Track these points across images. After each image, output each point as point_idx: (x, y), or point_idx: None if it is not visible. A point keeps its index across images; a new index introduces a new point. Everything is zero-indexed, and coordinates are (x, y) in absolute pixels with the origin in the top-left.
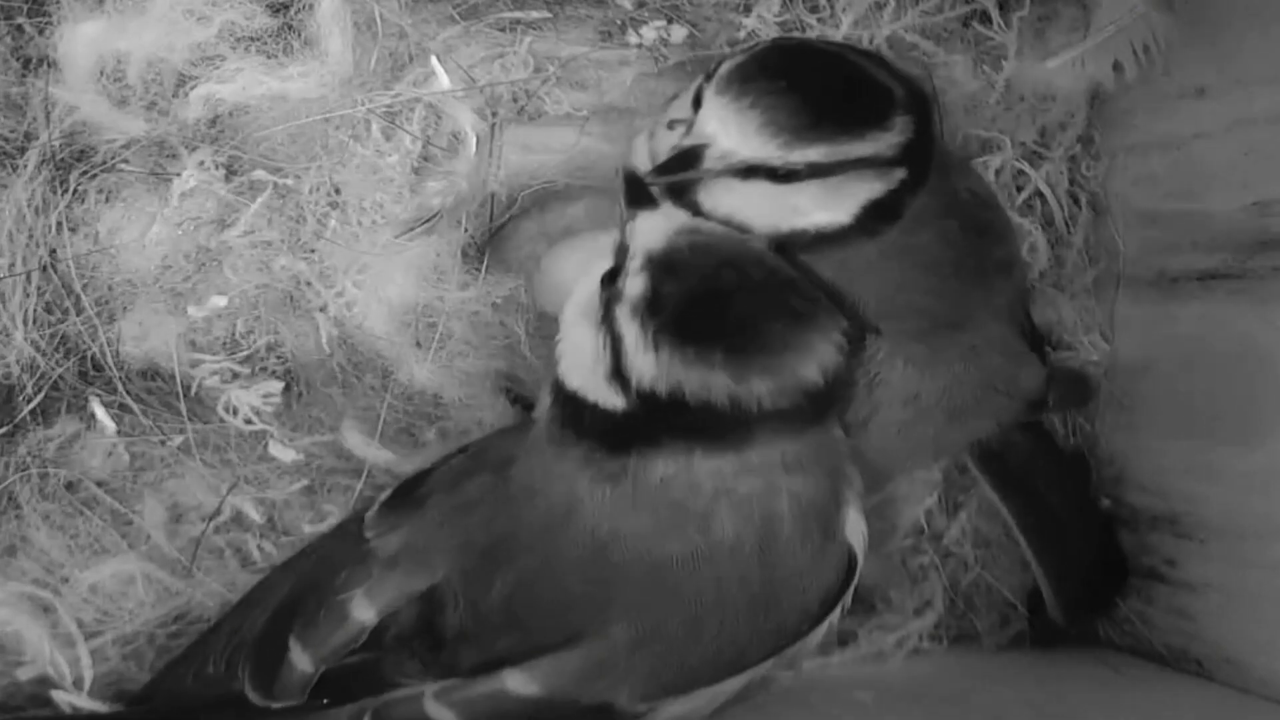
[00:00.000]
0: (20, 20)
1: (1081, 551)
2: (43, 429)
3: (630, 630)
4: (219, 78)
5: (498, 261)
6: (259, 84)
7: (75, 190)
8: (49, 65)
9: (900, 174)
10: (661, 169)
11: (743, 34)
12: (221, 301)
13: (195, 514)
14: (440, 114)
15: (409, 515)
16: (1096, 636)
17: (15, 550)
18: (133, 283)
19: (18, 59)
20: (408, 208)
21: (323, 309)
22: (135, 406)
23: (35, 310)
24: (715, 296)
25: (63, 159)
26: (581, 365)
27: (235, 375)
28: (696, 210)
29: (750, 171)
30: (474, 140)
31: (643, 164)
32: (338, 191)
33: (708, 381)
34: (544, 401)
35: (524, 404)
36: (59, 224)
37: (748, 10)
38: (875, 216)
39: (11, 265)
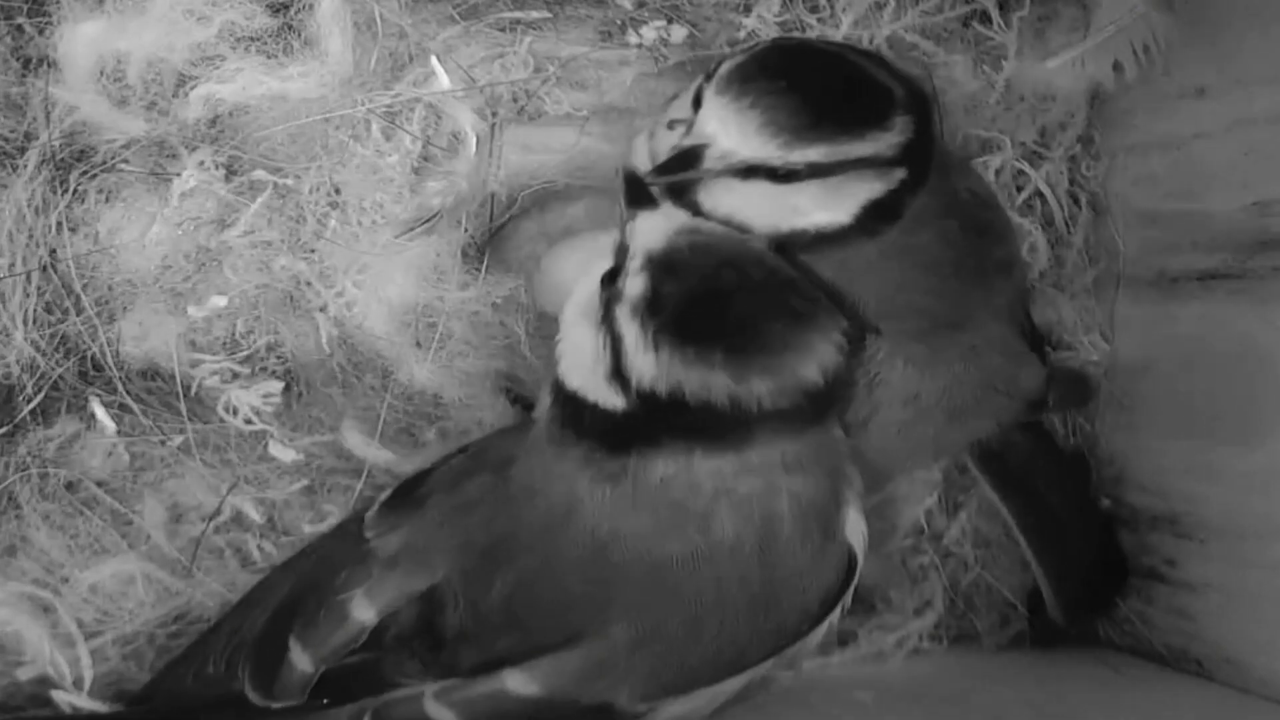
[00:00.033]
0: (20, 20)
1: (1081, 551)
2: (43, 429)
3: (630, 630)
4: (219, 78)
5: (498, 261)
6: (259, 84)
7: (75, 190)
8: (49, 65)
9: (900, 174)
10: (661, 169)
11: (743, 34)
12: (221, 301)
13: (195, 514)
14: (440, 114)
15: (409, 515)
16: (1096, 636)
17: (15, 550)
18: (133, 283)
19: (18, 59)
20: (408, 208)
21: (323, 309)
22: (135, 406)
23: (35, 310)
24: (715, 296)
25: (63, 159)
26: (581, 365)
27: (235, 375)
28: (696, 210)
29: (750, 171)
30: (474, 140)
31: (643, 164)
32: (338, 191)
33: (708, 381)
34: (544, 401)
35: (524, 404)
36: (59, 224)
37: (748, 10)
38: (875, 216)
39: (11, 265)
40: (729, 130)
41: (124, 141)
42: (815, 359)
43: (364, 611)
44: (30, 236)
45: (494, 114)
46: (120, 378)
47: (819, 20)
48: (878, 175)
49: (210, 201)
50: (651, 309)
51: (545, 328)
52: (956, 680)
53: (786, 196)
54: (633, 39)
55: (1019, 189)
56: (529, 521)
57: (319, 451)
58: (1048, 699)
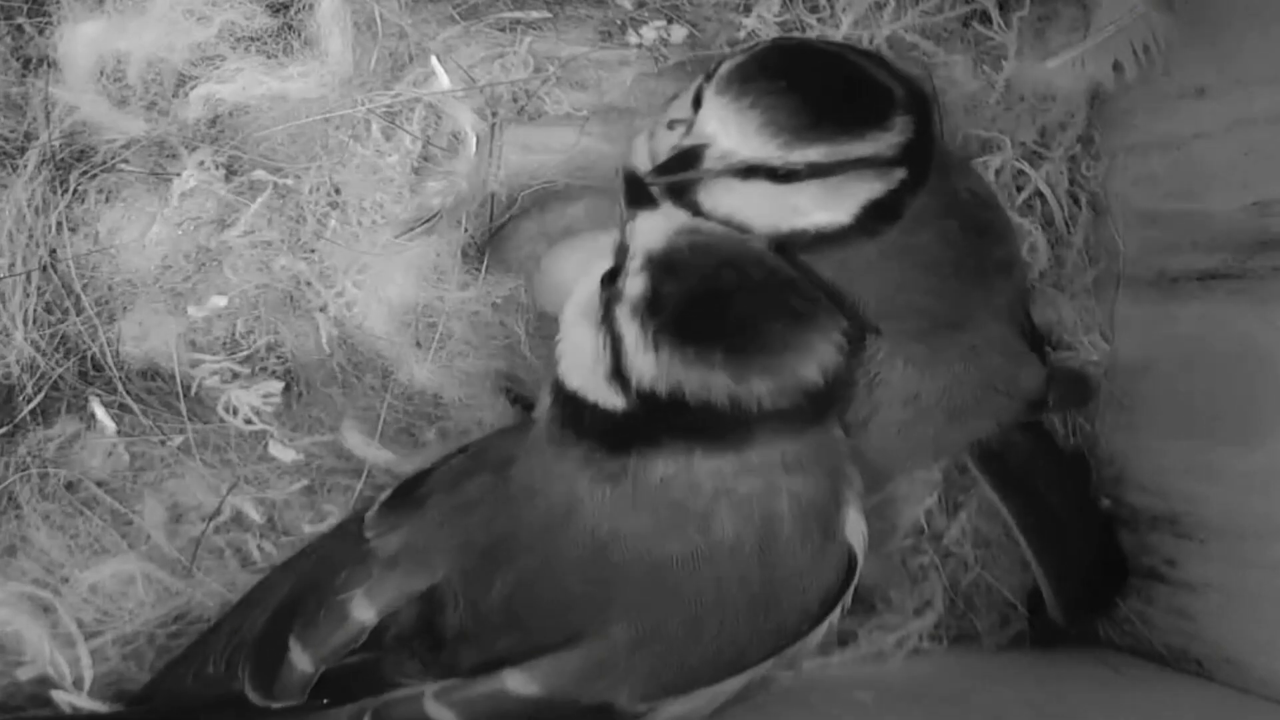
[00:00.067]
0: (20, 20)
1: (1081, 551)
2: (43, 429)
3: (630, 630)
4: (219, 78)
5: (498, 261)
6: (259, 84)
7: (75, 190)
8: (49, 65)
9: (900, 174)
10: (661, 169)
11: (743, 34)
12: (221, 301)
13: (195, 514)
14: (440, 114)
15: (409, 515)
16: (1096, 636)
17: (15, 550)
18: (133, 283)
19: (18, 59)
20: (408, 208)
21: (323, 309)
22: (135, 406)
23: (35, 310)
24: (715, 296)
25: (63, 159)
26: (581, 365)
27: (235, 375)
28: (696, 210)
29: (750, 171)
30: (474, 140)
31: (643, 164)
32: (338, 191)
33: (708, 381)
34: (544, 401)
35: (524, 404)
36: (59, 224)
37: (748, 10)
38: (875, 216)
39: (11, 265)
40: (729, 130)
41: (124, 141)
42: (815, 359)
43: (364, 611)
44: (30, 236)
45: (494, 114)
46: (120, 378)
47: (819, 20)
48: (878, 175)
49: (210, 201)
50: (651, 309)
51: (545, 328)
52: (956, 680)
53: (786, 196)
54: (633, 39)
55: (1019, 189)
56: (529, 521)
57: (319, 451)
58: (1048, 699)
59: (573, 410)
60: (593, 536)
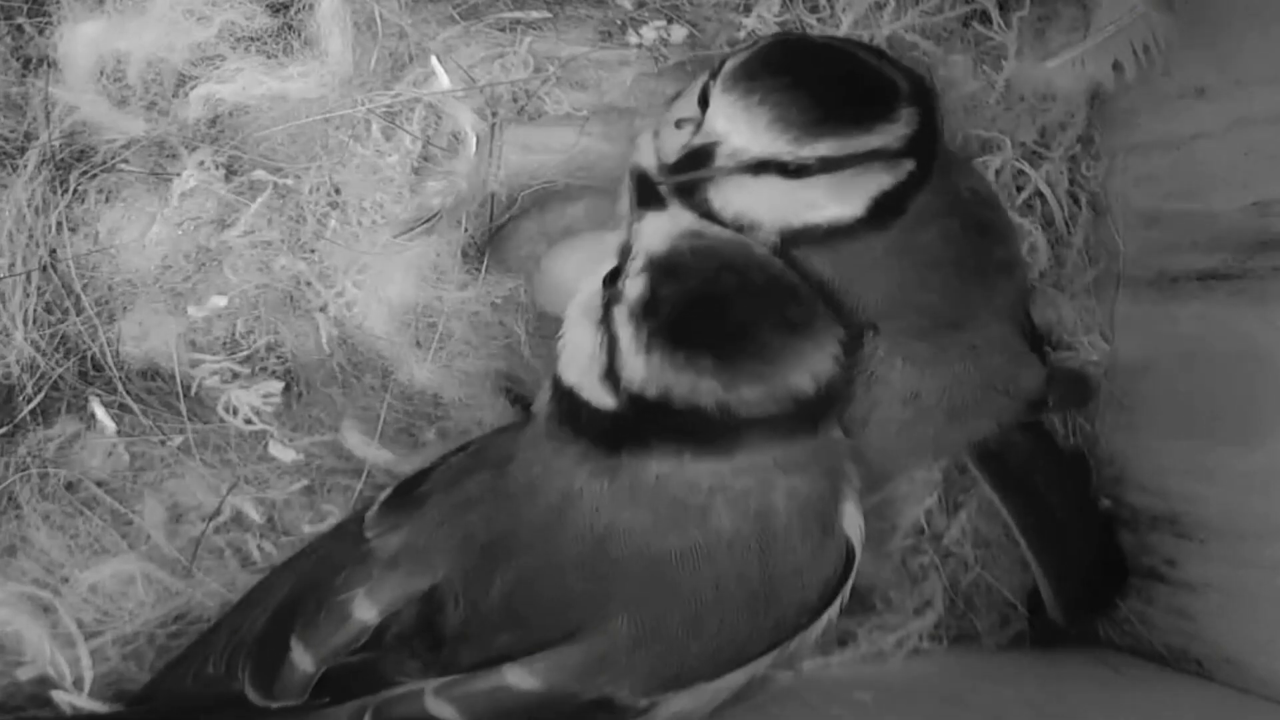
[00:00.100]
0: (20, 20)
1: (1081, 551)
2: (43, 429)
3: (630, 625)
4: (219, 78)
5: (498, 261)
6: (259, 84)
7: (75, 190)
8: (49, 65)
9: (909, 166)
10: (674, 168)
11: (743, 34)
12: (221, 301)
13: (195, 514)
14: (440, 114)
15: (409, 515)
16: (1096, 636)
17: (15, 550)
18: (133, 283)
19: (18, 59)
20: (408, 208)
21: (323, 309)
22: (135, 406)
23: (35, 310)
24: (712, 301)
25: (63, 159)
26: (578, 363)
27: (235, 375)
28: (707, 209)
29: (761, 167)
30: (474, 140)
31: (649, 163)
32: (338, 191)
33: (696, 386)
34: (543, 398)
35: (524, 404)
36: (59, 224)
37: (748, 10)
38: (884, 209)
39: (11, 265)
40: (739, 127)
41: (124, 141)
42: (808, 368)
43: (365, 611)
44: (30, 236)
45: (494, 114)
46: (120, 378)
47: (819, 20)
48: (886, 167)
49: (210, 201)
50: (648, 311)
51: (545, 328)
52: (956, 680)
53: (797, 192)
54: (633, 39)
55: (1019, 189)
56: (528, 517)
57: (319, 451)
58: (1048, 699)
59: (569, 406)
60: (591, 531)
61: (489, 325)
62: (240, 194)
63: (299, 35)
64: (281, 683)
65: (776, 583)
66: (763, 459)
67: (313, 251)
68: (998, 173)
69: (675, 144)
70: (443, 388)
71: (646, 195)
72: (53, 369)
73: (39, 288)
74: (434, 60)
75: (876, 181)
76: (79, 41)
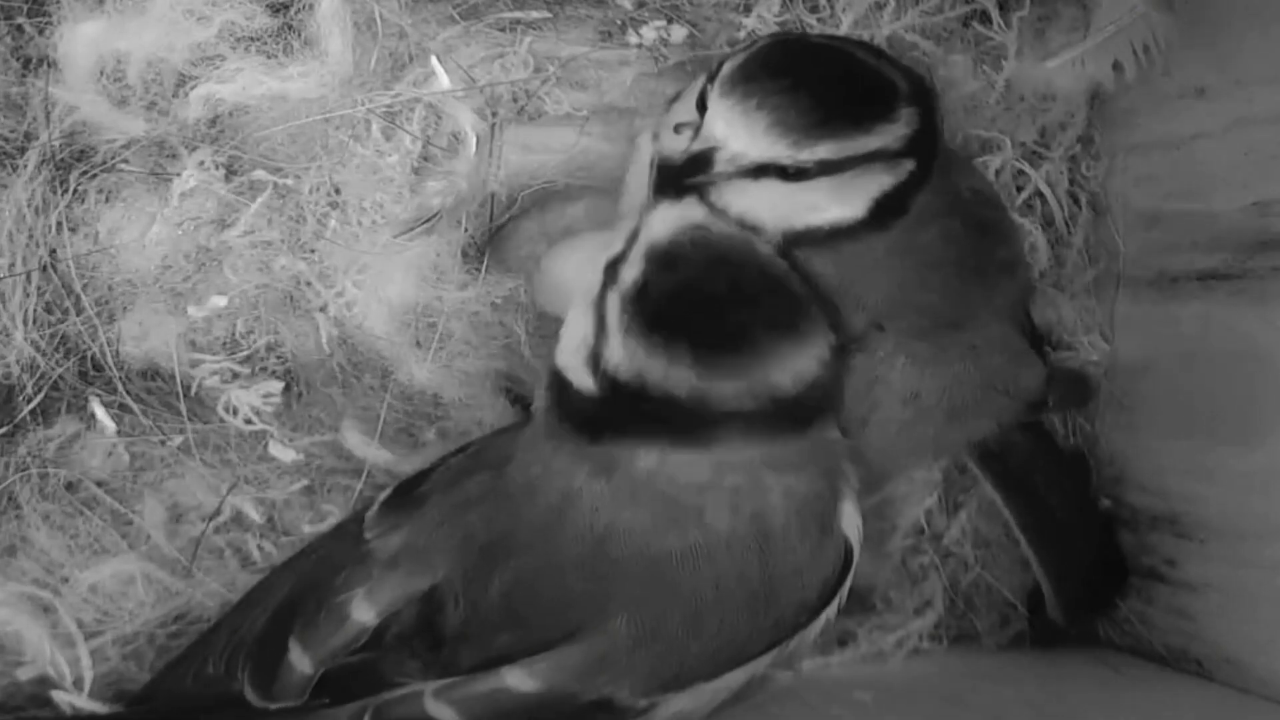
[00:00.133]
0: (20, 20)
1: (1081, 551)
2: (43, 429)
3: (630, 625)
4: (219, 78)
5: (498, 261)
6: (259, 84)
7: (75, 190)
8: (49, 65)
9: (909, 166)
10: (676, 174)
11: (743, 34)
12: (221, 301)
13: (195, 514)
14: (440, 114)
15: (409, 515)
16: (1096, 636)
17: (15, 550)
18: (133, 283)
19: (18, 59)
20: (408, 208)
21: (323, 309)
22: (135, 406)
23: (35, 310)
24: (699, 291)
25: (63, 159)
26: (570, 346)
27: (235, 375)
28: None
29: (761, 171)
30: (474, 140)
31: (668, 151)
32: (338, 191)
33: (670, 373)
34: (540, 393)
35: (524, 404)
36: (59, 224)
37: (748, 10)
38: (885, 210)
39: (11, 265)
40: (737, 132)
41: (124, 141)
42: (790, 369)
43: (364, 613)
44: (30, 236)
45: (494, 114)
46: (120, 378)
47: (819, 20)
48: (886, 168)
49: (210, 201)
50: (637, 297)
51: (545, 328)
52: (956, 680)
53: (798, 195)
54: (633, 39)
55: (1019, 189)
56: (528, 517)
57: (319, 451)
58: (1048, 699)
59: (558, 390)
60: (591, 531)
61: (489, 325)
62: (240, 194)
63: (299, 35)
64: (280, 684)
65: (776, 582)
66: (747, 456)
67: (313, 251)
68: (998, 173)
69: (675, 148)
70: (442, 388)
71: (665, 185)
72: (53, 369)
73: (39, 288)
74: (434, 60)
75: (877, 182)
76: (79, 41)
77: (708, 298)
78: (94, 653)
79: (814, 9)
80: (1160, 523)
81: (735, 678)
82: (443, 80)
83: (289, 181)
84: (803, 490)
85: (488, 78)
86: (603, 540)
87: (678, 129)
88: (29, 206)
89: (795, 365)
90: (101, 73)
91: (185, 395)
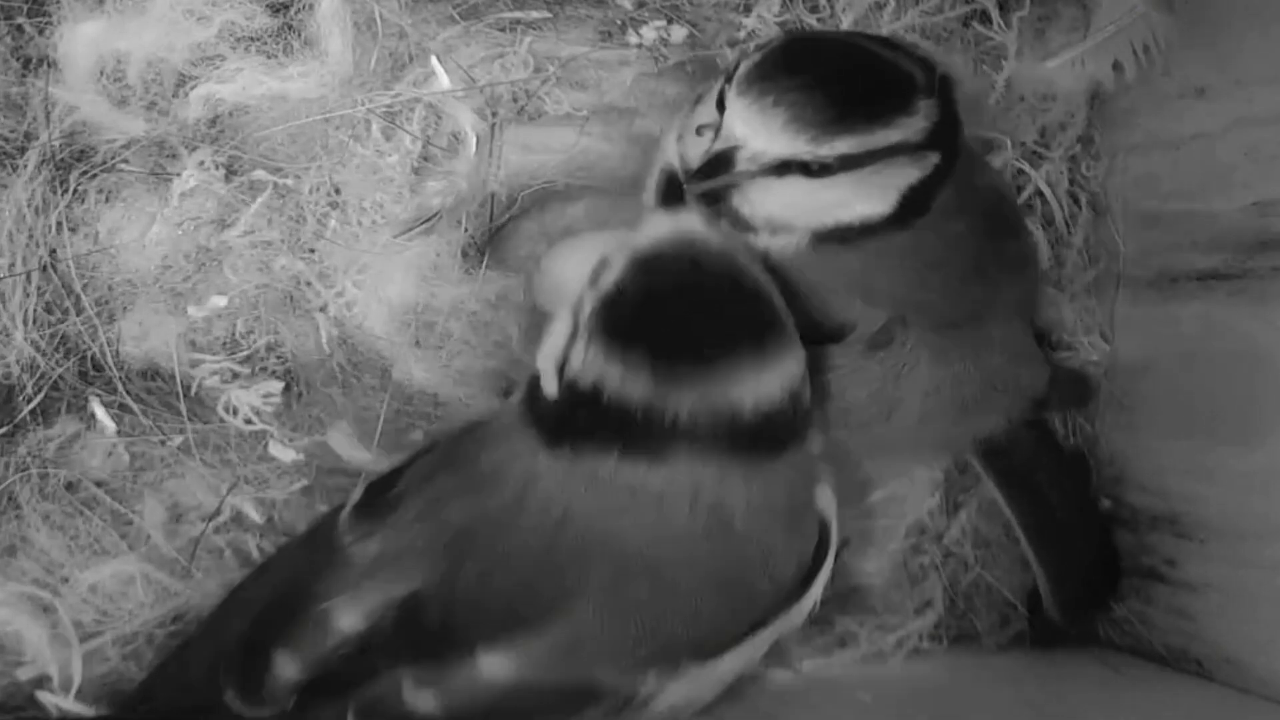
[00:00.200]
0: (20, 20)
1: (1081, 551)
2: (43, 429)
3: (595, 608)
4: (219, 78)
5: (498, 262)
6: (259, 84)
7: (75, 190)
8: (49, 65)
9: (934, 158)
10: (697, 175)
11: (743, 34)
12: (221, 301)
13: (195, 514)
14: (440, 114)
15: (385, 517)
16: (1096, 636)
17: (15, 550)
18: (133, 283)
19: (18, 59)
20: (408, 208)
21: (323, 309)
22: (135, 406)
23: (35, 310)
24: (669, 301)
25: (63, 159)
26: (548, 349)
27: (235, 375)
28: (735, 217)
29: (784, 168)
30: (474, 140)
31: (676, 164)
32: (338, 191)
33: (625, 380)
34: (520, 389)
35: None
36: (59, 224)
37: (748, 10)
38: (912, 204)
39: (11, 265)
40: (756, 130)
41: (124, 141)
42: (750, 388)
43: (349, 619)
44: (30, 236)
45: (494, 114)
46: (120, 378)
47: (819, 20)
48: (911, 161)
49: (210, 201)
50: (608, 302)
51: (538, 327)
52: (956, 680)
53: (822, 191)
54: (633, 39)
55: (1019, 189)
56: (495, 504)
57: (319, 451)
58: (1048, 699)
59: (530, 392)
60: (549, 515)
61: (488, 325)
62: (240, 194)
63: (299, 35)
64: (266, 691)
65: (745, 562)
66: (706, 471)
67: (313, 251)
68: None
69: (697, 151)
70: (442, 387)
71: (670, 196)
72: (53, 369)
73: (39, 288)
74: (434, 60)
75: (904, 176)
76: (79, 41)
77: (674, 305)
78: (93, 653)
79: (814, 9)
80: (1160, 523)
81: (726, 664)
82: (443, 80)
83: (289, 181)
84: (769, 478)
85: (488, 78)
86: (561, 524)
87: (699, 131)
88: (29, 206)
89: (757, 385)
90: (101, 73)
91: (185, 395)
